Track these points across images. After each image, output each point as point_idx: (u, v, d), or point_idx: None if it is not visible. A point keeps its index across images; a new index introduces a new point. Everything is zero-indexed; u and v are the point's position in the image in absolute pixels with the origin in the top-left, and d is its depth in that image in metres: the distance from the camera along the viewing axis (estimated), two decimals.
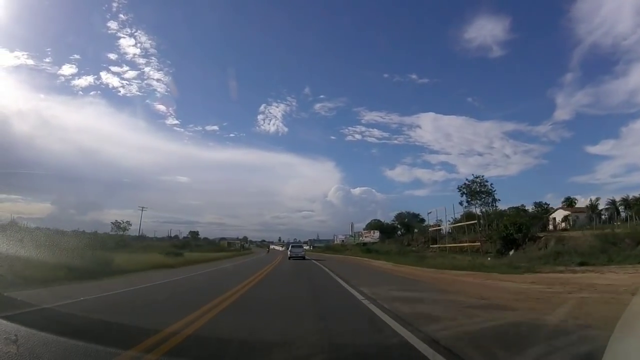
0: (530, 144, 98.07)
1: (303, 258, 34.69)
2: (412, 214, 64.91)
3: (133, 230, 66.20)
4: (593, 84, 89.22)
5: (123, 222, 65.06)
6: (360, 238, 74.91)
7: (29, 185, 74.99)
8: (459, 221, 44.90)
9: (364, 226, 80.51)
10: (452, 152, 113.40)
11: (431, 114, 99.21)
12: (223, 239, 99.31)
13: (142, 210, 64.36)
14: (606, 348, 2.68)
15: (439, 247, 42.31)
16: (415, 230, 58.14)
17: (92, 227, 59.55)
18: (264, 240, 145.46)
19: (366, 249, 56.25)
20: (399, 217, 66.25)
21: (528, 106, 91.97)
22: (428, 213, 54.10)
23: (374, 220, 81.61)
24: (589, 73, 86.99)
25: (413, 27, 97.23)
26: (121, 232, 59.35)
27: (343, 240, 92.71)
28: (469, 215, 42.39)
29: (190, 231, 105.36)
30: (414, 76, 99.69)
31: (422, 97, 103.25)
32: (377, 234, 71.18)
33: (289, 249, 38.98)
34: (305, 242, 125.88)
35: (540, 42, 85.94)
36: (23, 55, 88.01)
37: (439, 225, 47.06)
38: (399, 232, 67.75)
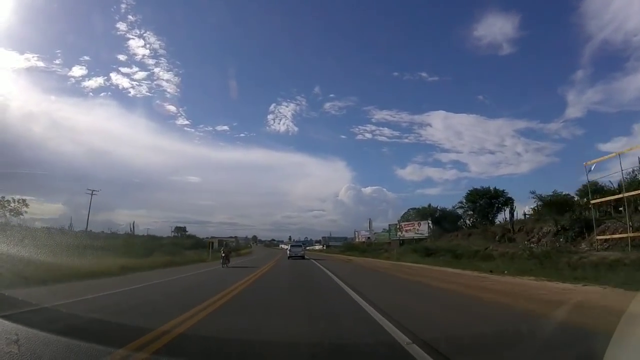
0: (542, 141, 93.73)
1: (302, 257, 33.89)
2: (494, 190, 39.80)
3: (144, 231, 62.74)
4: (604, 81, 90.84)
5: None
6: (400, 233, 50.20)
7: (42, 186, 74.39)
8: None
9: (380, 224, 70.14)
10: (463, 151, 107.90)
11: (442, 112, 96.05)
12: (212, 237, 75.93)
13: (91, 193, 42.23)
14: (607, 349, 2.59)
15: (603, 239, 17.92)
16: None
17: (104, 227, 54.48)
18: (273, 240, 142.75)
19: (424, 248, 31.63)
20: (472, 195, 40.88)
21: (539, 104, 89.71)
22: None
23: (411, 209, 57.64)
24: (600, 70, 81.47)
25: (423, 25, 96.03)
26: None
27: (369, 237, 70.82)
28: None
29: (176, 227, 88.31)
30: (424, 74, 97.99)
31: (432, 96, 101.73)
32: (425, 225, 46.53)
33: (288, 248, 39.15)
34: (318, 241, 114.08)
35: (551, 39, 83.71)
36: (33, 57, 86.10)
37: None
38: (469, 221, 42.68)
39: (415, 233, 47.43)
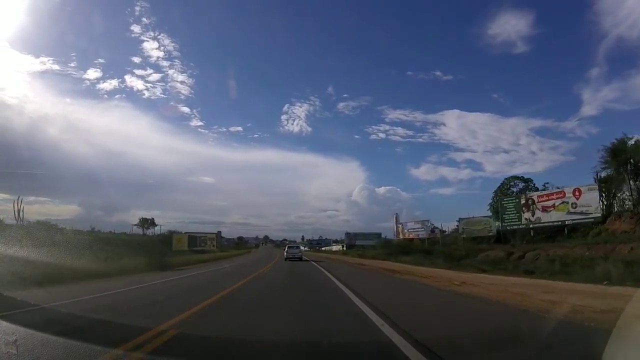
0: (557, 140, 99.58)
1: (300, 259, 33.11)
2: None
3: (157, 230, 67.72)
4: (620, 78, 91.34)
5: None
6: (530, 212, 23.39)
7: (57, 188, 74.89)
8: None
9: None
10: (477, 150, 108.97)
11: (456, 111, 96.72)
12: (190, 233, 58.61)
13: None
14: (605, 348, 2.65)
15: None
16: None
17: (119, 228, 57.81)
18: (285, 239, 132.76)
19: None
20: None
21: (554, 102, 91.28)
22: None
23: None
24: (615, 67, 79.04)
25: (436, 24, 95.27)
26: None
27: (441, 231, 47.50)
28: None
29: (169, 230, 71.38)
30: (437, 73, 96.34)
31: (446, 95, 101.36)
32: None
33: (285, 249, 37.20)
34: (335, 241, 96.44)
35: (565, 37, 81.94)
36: (49, 60, 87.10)
37: None
38: None
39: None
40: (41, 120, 75.19)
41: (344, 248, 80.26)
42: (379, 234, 71.60)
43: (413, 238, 48.38)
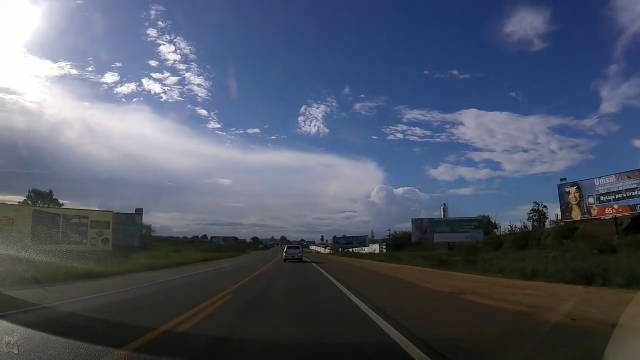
0: (577, 138, 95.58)
1: (300, 260, 31.29)
2: None
3: (178, 233, 54.48)
4: (639, 74, 75.79)
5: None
6: None
7: (77, 191, 75.67)
8: None
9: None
10: (496, 150, 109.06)
11: (474, 111, 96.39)
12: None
13: None
14: (606, 349, 2.65)
15: None
16: None
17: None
18: (303, 240, 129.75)
19: None
20: None
21: (573, 100, 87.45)
22: None
23: None
24: (634, 63, 72.93)
25: (453, 23, 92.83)
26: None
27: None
28: None
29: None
30: (455, 72, 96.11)
31: (464, 94, 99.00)
32: None
33: (285, 250, 34.03)
34: (379, 241, 66.19)
35: (582, 34, 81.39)
36: (67, 65, 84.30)
37: None
38: None
39: None
40: (60, 125, 79.45)
41: (384, 249, 55.93)
42: (480, 220, 40.55)
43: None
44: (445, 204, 45.44)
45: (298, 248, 37.48)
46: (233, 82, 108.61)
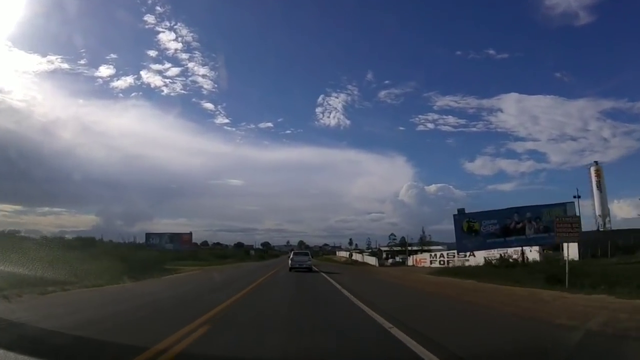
0: (632, 123, 78.90)
1: (310, 270, 27.51)
2: None
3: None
4: None
5: None
6: None
7: (74, 197, 73.18)
8: None
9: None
10: (540, 138, 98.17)
11: (514, 95, 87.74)
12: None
13: None
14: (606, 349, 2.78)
15: None
16: None
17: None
18: (326, 244, 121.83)
19: None
20: None
21: (626, 79, 70.90)
22: None
23: None
24: None
25: None
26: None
27: None
28: None
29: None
30: (491, 52, 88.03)
31: (502, 76, 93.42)
32: None
33: (290, 257, 31.80)
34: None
35: (635, 2, 58.56)
36: (57, 59, 76.05)
37: None
38: None
39: None
40: (52, 124, 74.18)
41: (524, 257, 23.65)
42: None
43: None
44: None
45: (306, 254, 33.29)
46: (241, 72, 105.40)
